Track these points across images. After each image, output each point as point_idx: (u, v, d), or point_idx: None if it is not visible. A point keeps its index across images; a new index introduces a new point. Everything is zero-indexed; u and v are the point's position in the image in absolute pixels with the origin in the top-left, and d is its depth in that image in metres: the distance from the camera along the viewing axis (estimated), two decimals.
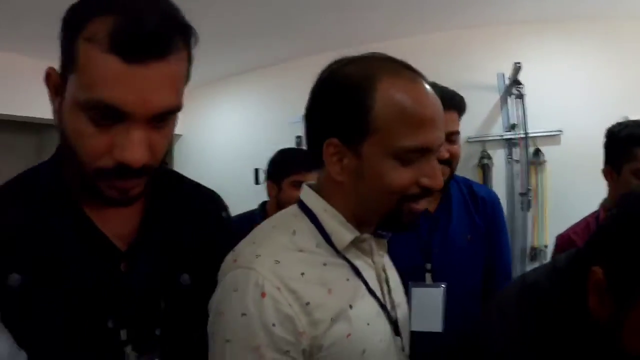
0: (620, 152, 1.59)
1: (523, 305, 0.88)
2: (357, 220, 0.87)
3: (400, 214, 0.84)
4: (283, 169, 2.06)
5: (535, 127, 2.96)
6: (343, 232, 0.85)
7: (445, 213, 1.61)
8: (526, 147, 2.96)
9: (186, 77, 0.76)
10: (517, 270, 2.99)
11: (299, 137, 3.68)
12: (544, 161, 2.98)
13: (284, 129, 3.77)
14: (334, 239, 0.85)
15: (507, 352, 0.84)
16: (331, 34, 3.36)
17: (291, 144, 3.09)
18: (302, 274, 0.79)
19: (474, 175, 3.17)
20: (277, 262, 0.78)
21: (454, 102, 1.53)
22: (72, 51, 0.67)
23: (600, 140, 1.68)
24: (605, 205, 1.69)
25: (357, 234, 0.86)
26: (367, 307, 0.85)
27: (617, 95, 2.44)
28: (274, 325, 0.74)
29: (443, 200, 1.62)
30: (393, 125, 0.78)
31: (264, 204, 2.23)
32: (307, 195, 0.90)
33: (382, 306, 0.89)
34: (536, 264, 2.97)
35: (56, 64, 0.73)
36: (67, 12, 0.70)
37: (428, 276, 1.56)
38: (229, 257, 0.83)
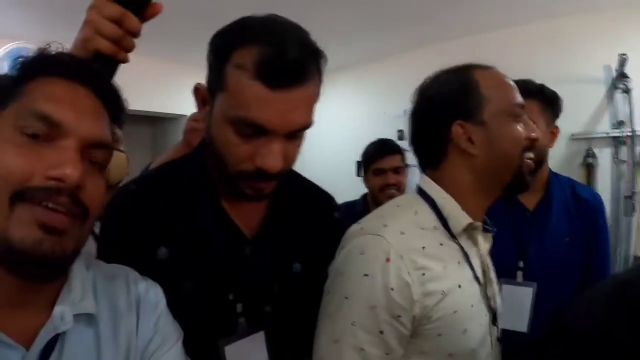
0: None
1: (614, 303, 0.86)
2: (469, 211, 0.95)
3: (522, 170, 0.95)
4: (365, 160, 2.33)
5: None
6: (459, 217, 0.94)
7: (545, 211, 1.56)
8: (632, 146, 2.75)
9: (317, 97, 0.85)
10: None
11: (400, 130, 3.75)
12: None
13: (387, 122, 3.88)
14: (450, 223, 0.93)
15: (594, 344, 0.83)
16: (437, 27, 3.34)
17: (393, 136, 3.10)
18: (423, 247, 0.87)
19: (578, 175, 3.01)
20: (403, 233, 0.87)
21: (533, 92, 1.51)
22: (222, 74, 0.79)
23: None
24: None
25: (470, 220, 0.94)
26: (472, 291, 0.92)
27: None
28: (392, 289, 0.81)
29: (544, 198, 1.58)
30: (497, 93, 0.94)
31: (365, 195, 2.44)
32: (426, 183, 0.99)
33: (485, 294, 0.95)
34: None
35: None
36: (216, 39, 0.83)
37: (519, 274, 1.53)
38: (355, 227, 0.94)
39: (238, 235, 0.92)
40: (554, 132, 1.58)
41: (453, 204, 0.94)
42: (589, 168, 3.02)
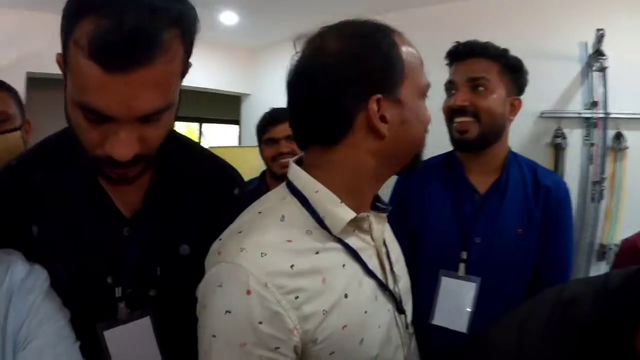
0: None
1: (552, 325, 0.71)
2: (355, 195, 0.82)
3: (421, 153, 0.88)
4: (258, 131, 2.17)
5: (619, 108, 2.59)
6: (338, 215, 0.79)
7: (497, 196, 1.39)
8: (605, 129, 2.61)
9: (182, 70, 0.76)
10: (581, 270, 2.69)
11: None
12: (625, 147, 2.62)
13: None
14: (327, 223, 0.79)
15: None
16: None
17: None
18: (292, 266, 0.74)
19: (545, 155, 2.87)
20: (264, 254, 0.73)
21: (482, 50, 1.38)
22: (66, 51, 0.70)
23: None
24: None
25: (353, 214, 0.80)
26: (364, 294, 0.82)
27: None
28: (260, 323, 0.70)
29: (498, 180, 1.40)
30: (415, 68, 0.82)
31: (264, 172, 2.28)
32: (296, 174, 0.84)
33: (383, 285, 0.86)
34: (603, 264, 2.65)
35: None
36: (65, 7, 0.70)
37: (462, 267, 1.37)
38: (215, 247, 0.81)
39: (115, 214, 0.87)
40: (514, 105, 1.40)
41: (329, 199, 0.79)
42: (557, 149, 2.87)
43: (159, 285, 0.89)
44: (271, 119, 2.10)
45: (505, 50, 1.39)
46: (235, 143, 6.34)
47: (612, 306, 0.66)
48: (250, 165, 2.86)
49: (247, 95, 5.29)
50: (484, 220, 1.37)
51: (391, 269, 0.91)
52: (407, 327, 0.93)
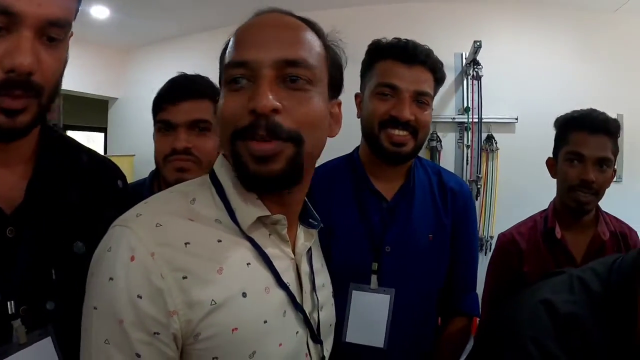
0: (558, 138, 1.53)
1: (566, 346, 0.78)
2: (277, 198, 0.76)
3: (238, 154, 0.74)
4: (154, 105, 1.38)
5: (490, 113, 2.84)
6: (248, 208, 0.73)
7: (405, 203, 1.31)
8: (479, 132, 2.83)
9: None
10: None
11: None
12: (497, 149, 2.87)
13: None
14: (238, 215, 0.73)
15: None
16: (275, 1, 3.09)
17: None
18: (187, 243, 0.67)
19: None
20: (159, 225, 0.67)
21: (427, 60, 1.24)
22: None
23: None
24: (554, 203, 1.55)
25: (265, 212, 0.74)
26: (269, 302, 0.73)
27: (582, 87, 2.31)
28: (139, 297, 0.63)
29: (404, 185, 1.32)
30: None
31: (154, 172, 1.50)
32: (220, 164, 0.79)
33: (297, 305, 0.77)
34: (482, 255, 2.87)
35: None
36: None
37: (374, 279, 1.29)
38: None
39: None
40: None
41: (244, 192, 0.74)
42: (433, 151, 3.06)
43: (57, 294, 0.79)
44: (172, 91, 1.35)
45: (441, 63, 1.29)
46: (101, 153, 5.87)
47: (611, 313, 0.76)
48: None
49: (115, 99, 4.88)
50: (394, 228, 1.29)
51: (313, 291, 0.83)
52: (322, 359, 0.86)
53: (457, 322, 1.37)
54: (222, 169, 0.77)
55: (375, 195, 1.31)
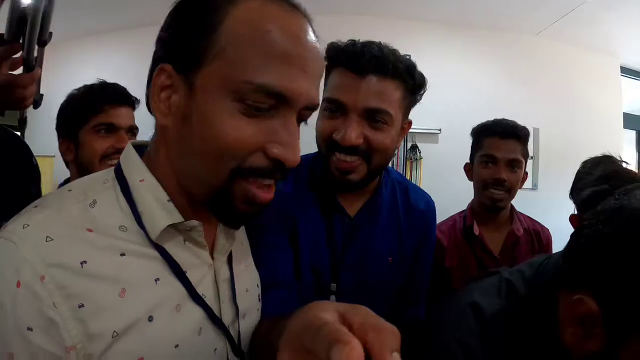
0: (474, 144, 1.67)
1: (490, 344, 0.75)
2: (187, 195, 0.65)
3: (231, 196, 0.61)
4: (78, 115, 1.37)
5: (416, 124, 3.00)
6: (158, 214, 0.63)
7: (368, 221, 1.14)
8: (405, 142, 3.00)
9: None
10: None
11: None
12: (421, 158, 3.05)
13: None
14: (145, 221, 0.62)
15: None
16: None
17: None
18: (83, 262, 0.56)
19: None
20: (49, 239, 0.56)
21: (395, 68, 1.01)
22: None
23: None
24: (472, 203, 1.70)
25: (178, 218, 0.63)
26: (181, 323, 0.64)
27: (502, 102, 2.53)
28: (30, 329, 0.53)
29: (369, 201, 1.14)
30: (244, 49, 0.57)
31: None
32: (127, 157, 0.67)
33: (214, 318, 0.69)
34: None
35: None
36: None
37: (332, 299, 1.13)
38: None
39: None
40: (404, 128, 1.09)
41: (153, 192, 0.64)
42: None
43: None
44: (114, 94, 1.41)
45: (414, 66, 1.09)
46: None
47: (532, 310, 0.75)
48: None
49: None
50: (355, 248, 1.13)
51: (233, 299, 0.74)
52: None
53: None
54: (130, 163, 0.67)
55: (338, 211, 1.12)
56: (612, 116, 3.79)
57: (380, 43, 1.05)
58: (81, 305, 0.55)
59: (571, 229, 1.76)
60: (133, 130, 1.41)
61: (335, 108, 0.99)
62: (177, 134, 0.61)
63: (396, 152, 2.94)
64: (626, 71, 4.07)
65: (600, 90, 3.77)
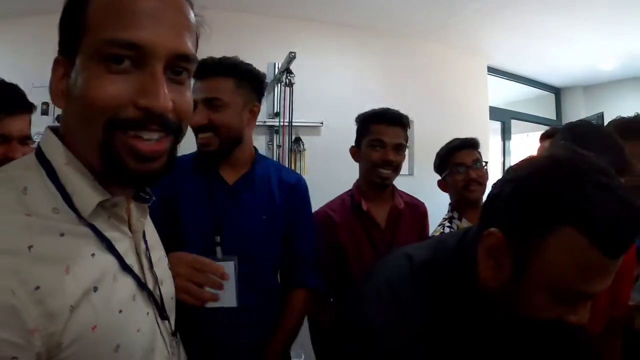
0: (361, 130, 1.92)
1: (417, 288, 0.85)
2: (95, 173, 0.69)
3: (115, 152, 0.65)
4: None
5: (299, 117, 3.18)
6: (88, 193, 0.67)
7: (245, 188, 1.57)
8: (290, 134, 3.13)
9: None
10: None
11: (45, 103, 3.14)
12: (304, 149, 3.23)
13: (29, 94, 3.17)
14: (76, 201, 0.66)
15: (400, 344, 0.80)
16: None
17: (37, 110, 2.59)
18: (31, 246, 0.59)
19: None
20: None
21: (218, 68, 1.51)
22: None
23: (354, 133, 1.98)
24: (358, 183, 1.95)
25: (106, 196, 0.69)
26: (119, 291, 0.69)
27: (380, 97, 2.75)
28: None
29: (246, 174, 1.59)
30: (102, 15, 0.64)
31: None
32: (48, 142, 0.70)
33: (142, 285, 0.75)
34: None
35: None
36: None
37: (218, 250, 1.52)
38: None
39: None
40: (253, 111, 1.58)
41: (80, 173, 0.67)
42: None
43: None
44: (10, 100, 1.45)
45: (238, 64, 1.54)
46: None
47: (456, 257, 0.86)
48: None
49: None
50: (234, 208, 1.54)
51: (151, 268, 0.80)
52: (173, 335, 0.84)
53: (296, 293, 1.65)
54: (52, 147, 0.69)
55: (219, 180, 1.56)
56: (479, 109, 4.42)
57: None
58: (37, 288, 0.57)
59: (442, 206, 2.08)
60: (26, 140, 1.42)
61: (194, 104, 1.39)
62: (68, 112, 0.68)
63: (281, 144, 3.11)
64: (492, 70, 4.81)
65: (470, 87, 4.38)
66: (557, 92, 6.16)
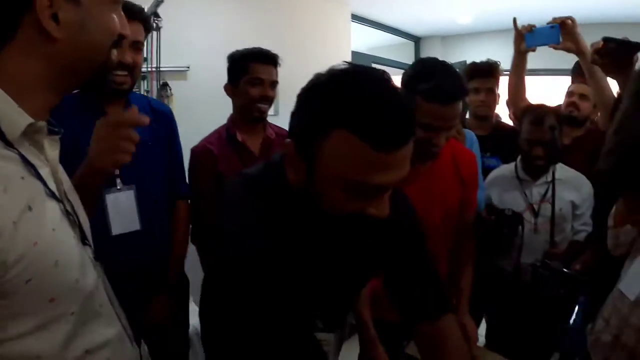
0: (238, 68, 2.13)
1: (251, 196, 0.95)
2: (32, 109, 0.72)
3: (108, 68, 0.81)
4: None
5: (166, 62, 3.24)
6: (15, 118, 0.69)
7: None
8: (158, 80, 3.18)
9: None
10: None
11: None
12: (172, 94, 3.30)
13: None
14: (4, 126, 0.68)
15: (244, 232, 0.90)
16: None
17: None
18: None
19: None
20: None
21: (139, 14, 1.74)
22: None
23: (223, 77, 2.19)
24: (232, 117, 2.23)
25: (31, 119, 0.71)
26: (49, 211, 0.72)
27: (244, 43, 2.91)
28: None
29: (126, 107, 1.74)
30: None
31: None
32: None
33: (66, 211, 0.78)
34: None
35: None
36: None
37: (118, 181, 1.74)
38: None
39: None
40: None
41: (5, 102, 0.69)
42: None
43: None
44: None
45: (144, 12, 1.82)
46: None
47: (275, 169, 0.98)
48: None
49: None
50: None
51: (66, 196, 0.83)
52: (95, 258, 0.86)
53: (178, 205, 2.02)
54: None
55: (101, 114, 1.53)
56: (342, 54, 4.84)
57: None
58: None
59: None
60: None
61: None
62: (72, 40, 0.72)
63: (149, 89, 3.18)
64: (356, 18, 5.40)
65: (334, 33, 4.79)
66: (417, 40, 7.00)
